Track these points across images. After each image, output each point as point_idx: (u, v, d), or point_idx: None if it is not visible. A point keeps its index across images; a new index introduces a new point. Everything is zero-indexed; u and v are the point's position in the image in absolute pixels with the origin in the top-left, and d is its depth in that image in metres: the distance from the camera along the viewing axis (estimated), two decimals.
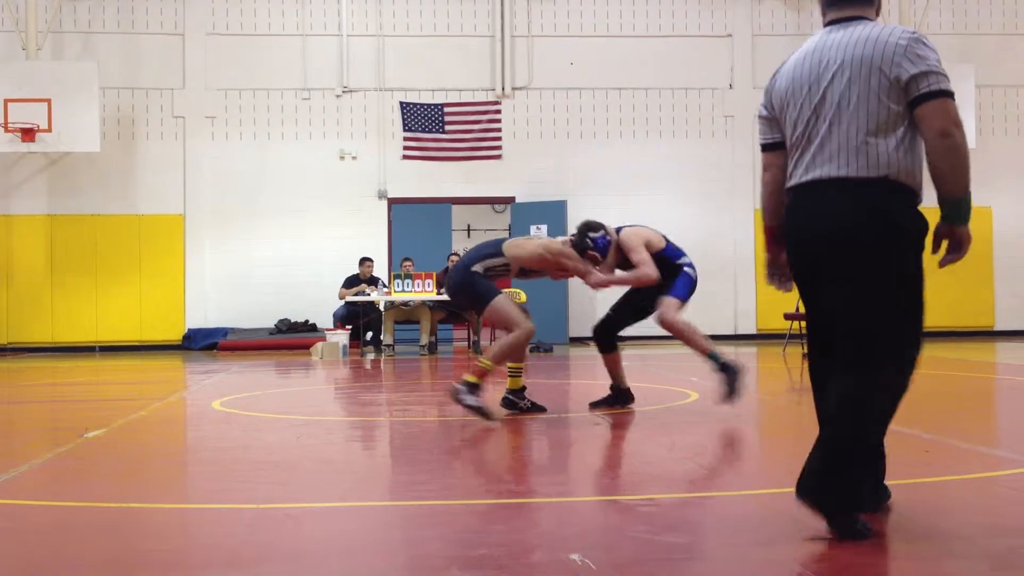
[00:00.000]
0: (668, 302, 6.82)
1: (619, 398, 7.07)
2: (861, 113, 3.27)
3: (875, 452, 3.49)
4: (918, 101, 3.20)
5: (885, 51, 3.24)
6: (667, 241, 7.03)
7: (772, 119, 3.58)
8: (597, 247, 6.80)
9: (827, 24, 3.48)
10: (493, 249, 6.73)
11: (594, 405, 7.07)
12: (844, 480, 3.20)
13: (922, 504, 3.77)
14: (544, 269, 6.81)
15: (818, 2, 3.54)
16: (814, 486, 3.22)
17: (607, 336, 7.08)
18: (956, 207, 3.23)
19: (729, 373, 6.72)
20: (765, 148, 3.63)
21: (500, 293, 6.60)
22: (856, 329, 3.25)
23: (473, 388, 6.36)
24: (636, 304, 7.09)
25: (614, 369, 7.08)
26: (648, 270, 6.72)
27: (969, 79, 16.53)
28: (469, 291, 6.63)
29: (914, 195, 3.30)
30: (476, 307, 6.75)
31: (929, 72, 3.20)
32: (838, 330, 3.30)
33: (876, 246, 3.22)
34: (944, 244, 3.29)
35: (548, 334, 15.49)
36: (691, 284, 6.94)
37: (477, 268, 6.62)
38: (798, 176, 3.41)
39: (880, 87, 3.24)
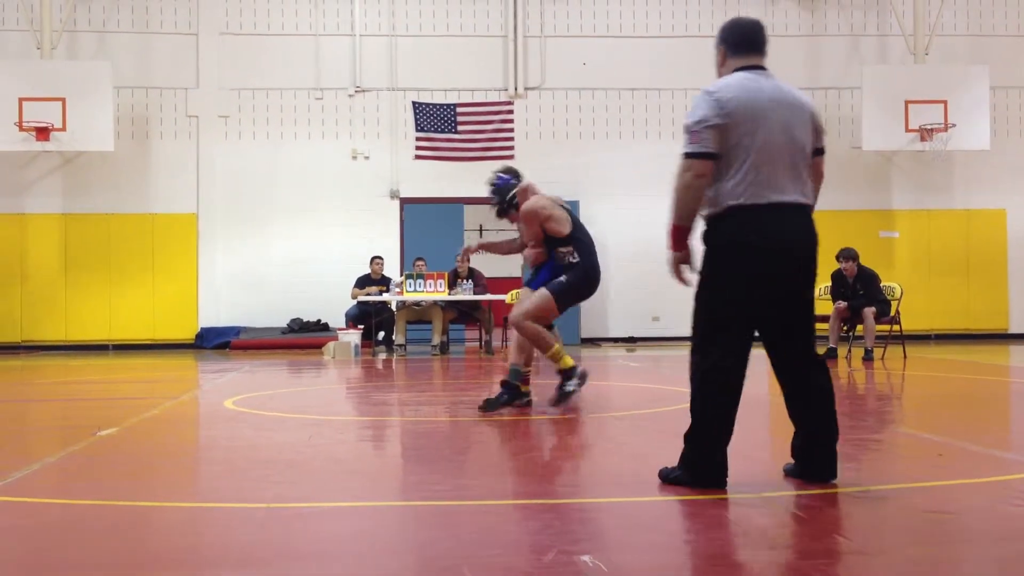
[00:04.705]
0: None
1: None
2: (806, 155, 4.06)
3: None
4: (818, 153, 4.15)
5: (813, 110, 4.12)
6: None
7: (723, 130, 3.91)
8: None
9: (748, 68, 4.06)
10: None
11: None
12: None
13: (934, 507, 3.76)
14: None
15: (730, 45, 4.12)
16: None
17: None
18: None
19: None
20: (711, 157, 3.92)
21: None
22: (812, 324, 4.12)
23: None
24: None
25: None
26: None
27: (983, 80, 16.46)
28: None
29: None
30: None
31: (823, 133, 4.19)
32: (802, 326, 4.07)
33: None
34: None
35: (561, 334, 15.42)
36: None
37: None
38: (774, 196, 3.94)
39: (809, 137, 4.08)
